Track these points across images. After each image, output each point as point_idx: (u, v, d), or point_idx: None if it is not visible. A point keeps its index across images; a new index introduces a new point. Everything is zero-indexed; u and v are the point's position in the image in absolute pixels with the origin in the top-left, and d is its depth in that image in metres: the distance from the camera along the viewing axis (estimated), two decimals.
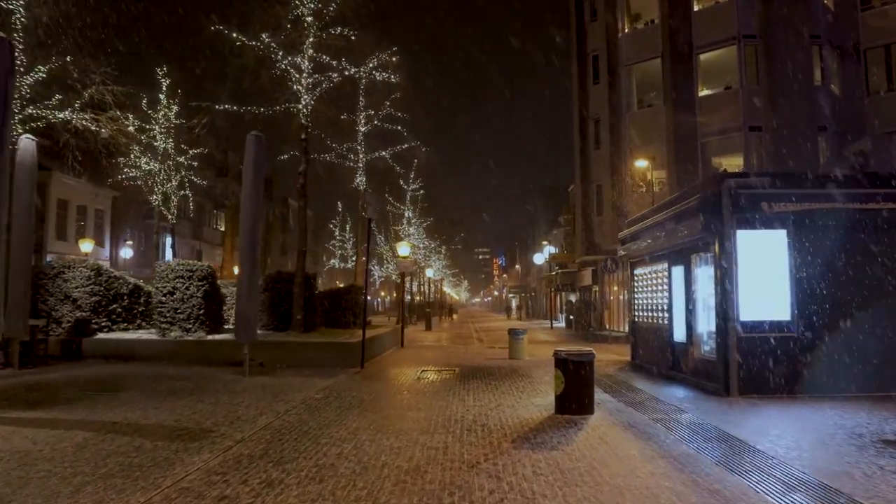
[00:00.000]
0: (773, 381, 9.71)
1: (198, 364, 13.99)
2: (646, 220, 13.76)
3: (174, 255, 30.08)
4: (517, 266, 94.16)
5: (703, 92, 24.60)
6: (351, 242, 57.96)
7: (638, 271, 15.03)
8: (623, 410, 8.87)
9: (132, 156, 23.22)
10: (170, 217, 28.86)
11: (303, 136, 16.48)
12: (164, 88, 24.31)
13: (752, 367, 9.77)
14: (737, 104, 23.41)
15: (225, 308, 19.16)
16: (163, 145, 24.61)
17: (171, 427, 7.55)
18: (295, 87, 16.23)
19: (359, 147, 25.12)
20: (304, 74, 16.41)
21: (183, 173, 26.70)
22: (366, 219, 14.95)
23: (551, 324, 42.19)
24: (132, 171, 24.27)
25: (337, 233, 59.11)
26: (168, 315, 15.37)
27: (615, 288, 34.95)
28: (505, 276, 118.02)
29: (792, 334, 9.84)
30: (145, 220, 40.48)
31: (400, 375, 13.18)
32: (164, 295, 15.43)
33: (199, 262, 16.20)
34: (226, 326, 18.52)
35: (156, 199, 25.57)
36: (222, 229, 56.96)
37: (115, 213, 40.60)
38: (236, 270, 46.08)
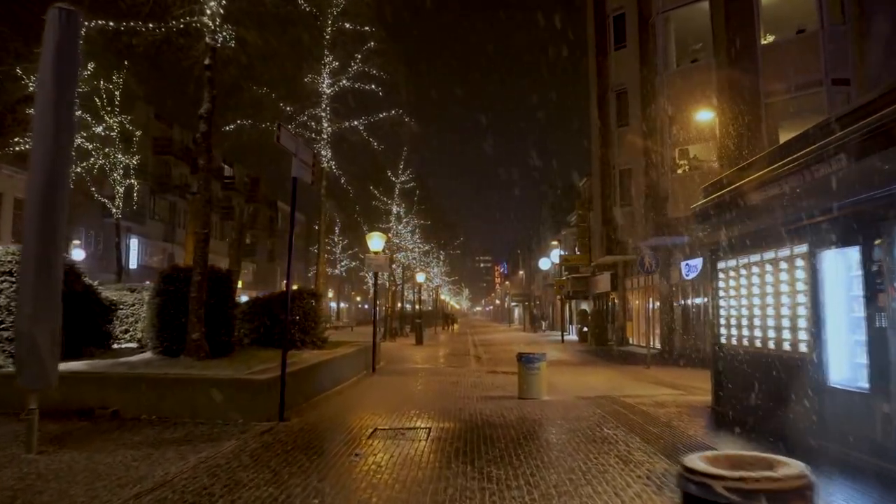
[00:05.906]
0: None
1: (16, 413, 8.40)
2: (760, 168, 8.04)
3: (119, 256, 25.34)
4: (520, 273, 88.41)
5: (767, 39, 18.98)
6: (340, 246, 53.09)
7: (726, 264, 9.39)
8: None
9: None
10: (115, 211, 24.30)
11: (207, 62, 10.87)
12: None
13: None
14: (815, 52, 17.76)
15: (116, 322, 13.68)
16: (78, 112, 19.31)
17: None
18: None
19: (322, 114, 19.58)
20: None
21: (108, 150, 22.23)
22: (291, 178, 9.24)
23: (562, 337, 36.44)
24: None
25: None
26: None
27: (628, 295, 29.49)
28: (507, 283, 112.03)
29: None
30: (103, 218, 36.04)
31: (333, 443, 7.51)
32: None
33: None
34: (115, 346, 13.09)
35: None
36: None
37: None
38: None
